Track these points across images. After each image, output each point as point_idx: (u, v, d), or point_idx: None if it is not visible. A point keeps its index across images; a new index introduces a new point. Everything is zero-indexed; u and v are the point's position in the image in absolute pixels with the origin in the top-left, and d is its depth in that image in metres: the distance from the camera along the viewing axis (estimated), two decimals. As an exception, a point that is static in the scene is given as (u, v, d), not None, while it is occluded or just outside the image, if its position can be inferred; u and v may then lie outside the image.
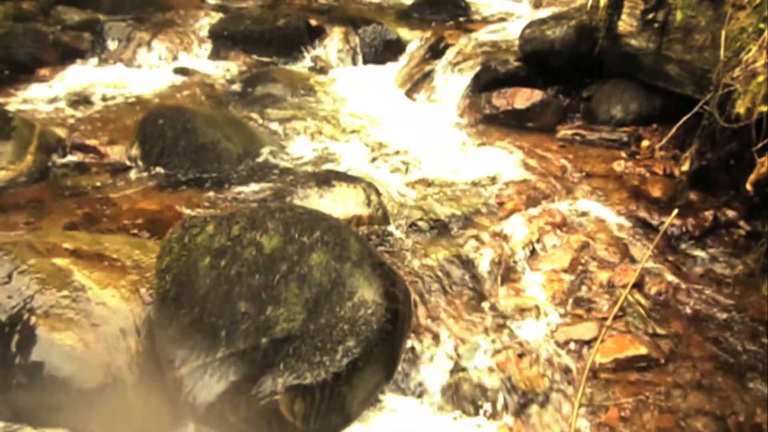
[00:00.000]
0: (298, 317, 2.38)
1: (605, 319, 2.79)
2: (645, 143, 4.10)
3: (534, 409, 2.48)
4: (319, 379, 2.31)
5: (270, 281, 2.44)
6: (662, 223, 3.40)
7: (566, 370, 2.61)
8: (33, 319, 2.50)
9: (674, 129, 3.74)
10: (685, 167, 3.67)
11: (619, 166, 3.90)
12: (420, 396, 2.56)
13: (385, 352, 2.44)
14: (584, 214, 3.45)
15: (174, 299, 2.47)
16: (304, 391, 2.30)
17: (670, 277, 3.11)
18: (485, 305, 2.92)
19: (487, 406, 2.49)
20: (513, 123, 4.39)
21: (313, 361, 2.33)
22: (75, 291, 2.61)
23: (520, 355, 2.65)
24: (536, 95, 4.41)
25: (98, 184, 3.59)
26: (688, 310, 2.96)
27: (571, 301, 2.95)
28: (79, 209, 3.37)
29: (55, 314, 2.53)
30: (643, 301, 2.95)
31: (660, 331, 2.82)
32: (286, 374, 2.31)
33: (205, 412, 2.32)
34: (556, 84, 4.57)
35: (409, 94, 4.94)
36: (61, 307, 2.55)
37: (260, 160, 3.81)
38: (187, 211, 3.29)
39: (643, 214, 3.47)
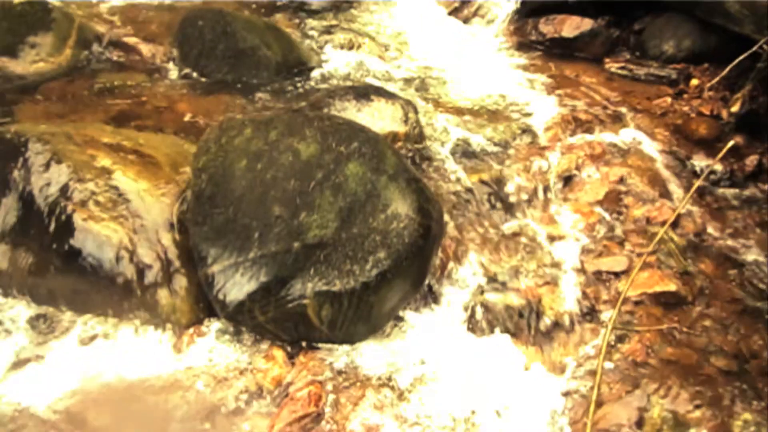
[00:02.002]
0: (331, 225, 2.39)
1: (639, 254, 2.77)
2: (694, 82, 3.96)
3: (557, 334, 2.50)
4: (347, 287, 2.33)
5: (305, 187, 2.44)
6: (703, 163, 3.33)
7: (594, 300, 2.62)
8: (70, 208, 2.54)
9: (727, 69, 3.61)
10: (735, 109, 3.56)
11: (665, 103, 3.78)
12: (444, 313, 2.59)
13: (414, 266, 2.45)
14: (624, 148, 3.38)
15: (209, 198, 2.48)
16: (332, 298, 2.34)
17: (705, 218, 3.06)
18: (516, 230, 2.91)
19: (511, 328, 2.52)
20: (559, 51, 4.25)
21: (343, 269, 2.35)
22: (111, 183, 2.64)
23: (548, 282, 2.65)
24: (585, 24, 4.25)
25: (135, 82, 3.57)
26: (720, 252, 2.93)
27: (603, 233, 2.93)
28: (115, 106, 3.36)
29: (91, 204, 2.56)
30: (676, 239, 2.92)
31: (691, 269, 2.79)
32: (316, 279, 2.34)
33: (234, 310, 2.37)
34: (606, 14, 4.37)
35: (453, 13, 4.79)
36: (98, 197, 2.59)
37: (298, 69, 3.75)
38: (222, 115, 3.26)
39: (685, 153, 3.39)
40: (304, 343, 2.46)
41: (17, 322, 2.60)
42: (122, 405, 2.31)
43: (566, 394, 2.32)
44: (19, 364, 2.46)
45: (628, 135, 3.47)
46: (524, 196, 3.05)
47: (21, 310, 2.63)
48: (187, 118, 3.28)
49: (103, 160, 2.72)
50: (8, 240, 2.60)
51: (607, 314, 2.58)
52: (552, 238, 2.88)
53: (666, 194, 3.18)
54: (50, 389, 2.37)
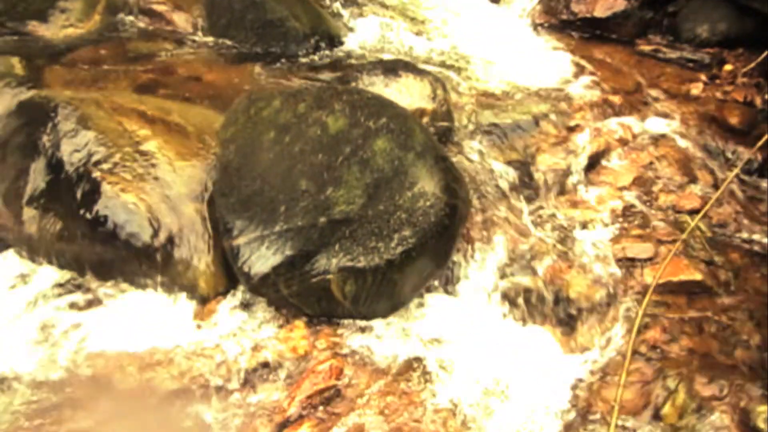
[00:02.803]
0: (358, 201, 2.38)
1: (666, 241, 2.74)
2: (728, 67, 3.87)
3: (581, 317, 2.49)
4: (372, 263, 2.33)
5: (332, 162, 2.43)
6: (735, 152, 3.27)
7: (619, 285, 2.60)
8: (98, 175, 2.55)
9: (764, 55, 3.53)
10: (770, 96, 3.49)
11: (696, 88, 3.70)
12: (467, 293, 2.58)
13: (439, 245, 2.45)
14: (654, 133, 3.32)
15: (236, 169, 2.48)
16: (356, 274, 2.34)
17: (735, 209, 3.01)
18: (542, 213, 2.89)
19: (534, 311, 2.51)
20: (590, 31, 4.16)
21: (368, 246, 2.35)
22: (139, 151, 2.64)
23: (573, 266, 2.63)
24: (618, 4, 4.15)
25: (163, 50, 3.56)
26: (748, 244, 2.88)
27: (630, 219, 2.90)
28: (143, 73, 3.36)
29: (119, 172, 2.57)
30: (704, 228, 2.88)
31: (718, 260, 2.76)
32: (341, 255, 2.34)
33: (258, 282, 2.38)
34: (641, -6, 4.29)
35: (483, -10, 4.70)
36: (126, 165, 2.59)
37: (326, 42, 3.71)
38: (250, 86, 3.25)
39: (716, 140, 3.33)
40: (326, 318, 2.47)
41: (43, 287, 2.64)
42: (145, 371, 2.34)
43: (589, 377, 2.31)
44: (43, 328, 2.49)
45: (658, 120, 3.41)
46: (551, 179, 3.02)
47: (47, 275, 2.67)
48: (214, 87, 3.27)
49: (131, 128, 2.72)
50: (36, 205, 2.63)
51: (631, 300, 2.56)
52: (578, 222, 2.86)
53: (695, 182, 3.13)
54: (74, 354, 2.41)
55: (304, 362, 2.36)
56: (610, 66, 3.83)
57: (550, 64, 3.81)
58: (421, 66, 3.45)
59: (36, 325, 2.50)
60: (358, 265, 2.33)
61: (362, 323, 2.47)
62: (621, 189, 3.03)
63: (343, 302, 2.39)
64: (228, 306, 2.49)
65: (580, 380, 2.31)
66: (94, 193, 2.53)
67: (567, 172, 3.05)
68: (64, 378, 2.34)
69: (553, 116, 3.30)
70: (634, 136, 3.26)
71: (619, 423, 2.18)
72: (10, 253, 2.71)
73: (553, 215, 2.88)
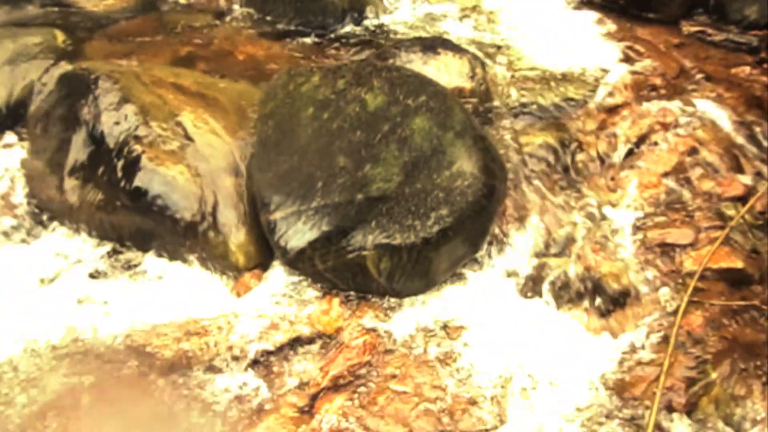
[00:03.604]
0: (395, 179, 2.37)
1: (706, 228, 2.69)
2: (776, 51, 3.76)
3: (617, 302, 2.46)
4: (408, 241, 2.33)
5: (371, 139, 2.42)
6: (781, 138, 3.18)
7: (656, 271, 2.55)
8: (138, 148, 2.58)
9: (816, 38, 3.41)
10: (820, 82, 3.37)
11: (743, 72, 3.59)
12: (502, 275, 2.57)
13: (475, 225, 2.44)
14: (697, 118, 3.23)
15: (275, 145, 2.49)
16: (392, 251, 2.34)
17: (778, 196, 2.94)
18: (579, 196, 2.84)
19: (569, 294, 2.49)
20: (632, 12, 4.05)
21: (405, 224, 2.34)
22: (179, 125, 2.67)
23: (609, 250, 2.60)
24: (663, -17, 4.05)
25: (201, 24, 3.57)
26: (792, 233, 2.81)
27: (670, 204, 2.84)
28: (182, 47, 3.37)
29: (158, 145, 2.60)
30: (747, 216, 2.81)
31: (760, 248, 2.70)
32: (377, 232, 2.34)
33: (294, 257, 2.40)
34: (686, -27, 4.17)
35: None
36: (165, 139, 2.62)
37: (364, 17, 3.68)
38: (287, 61, 3.24)
39: (762, 126, 3.23)
40: (360, 294, 2.48)
41: (83, 257, 2.69)
42: (180, 342, 2.38)
43: (625, 362, 2.29)
44: (83, 298, 2.55)
45: (701, 104, 3.32)
46: (589, 161, 2.97)
47: (87, 245, 2.72)
48: (251, 61, 3.27)
49: (171, 102, 2.75)
50: (78, 175, 2.67)
51: (669, 286, 2.52)
52: (616, 206, 2.81)
53: (737, 169, 3.04)
54: (112, 323, 2.46)
55: (338, 337, 2.38)
56: (653, 47, 3.73)
57: (591, 45, 3.72)
58: (460, 44, 3.41)
59: (74, 294, 2.56)
60: (394, 243, 2.33)
61: (396, 301, 2.48)
62: (661, 174, 2.96)
63: (378, 279, 2.40)
64: (264, 280, 2.51)
65: (616, 365, 2.28)
66: (133, 165, 2.56)
67: (606, 155, 3.00)
68: (101, 347, 2.39)
69: (593, 98, 3.24)
70: (677, 120, 3.18)
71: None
72: (54, 224, 2.77)
73: (591, 198, 2.83)
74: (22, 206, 2.80)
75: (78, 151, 2.68)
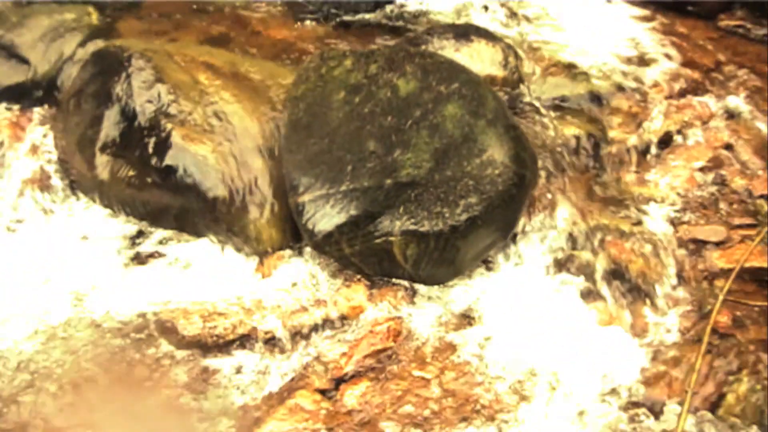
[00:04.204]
0: (425, 165, 2.36)
1: (738, 225, 2.65)
2: (817, 48, 3.67)
3: (646, 297, 2.43)
4: (436, 228, 2.32)
5: (401, 125, 2.41)
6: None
7: (686, 267, 2.52)
8: (169, 126, 2.59)
9: None
10: None
11: (782, 68, 3.53)
12: (529, 265, 2.55)
13: (504, 215, 2.41)
14: (734, 114, 3.18)
15: (305, 127, 2.49)
16: (419, 238, 2.33)
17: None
18: (609, 188, 2.81)
19: (597, 287, 2.46)
20: (669, 4, 3.97)
21: (433, 211, 2.33)
22: (210, 104, 2.67)
23: (639, 244, 2.57)
24: (702, -24, 3.97)
25: (233, 4, 3.57)
26: (827, 234, 2.76)
27: (702, 200, 2.80)
28: (214, 27, 3.38)
29: (189, 124, 2.61)
30: (780, 214, 2.76)
31: (792, 248, 2.65)
32: (405, 218, 2.33)
33: (321, 240, 2.40)
34: (726, -34, 4.08)
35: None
36: (196, 117, 2.63)
37: (395, 2, 3.66)
38: (319, 43, 3.24)
39: (799, 124, 3.17)
40: (386, 280, 2.48)
41: (112, 233, 2.72)
42: (206, 321, 2.40)
43: (653, 359, 2.27)
44: (111, 274, 2.57)
45: (738, 100, 3.26)
46: (621, 154, 2.93)
47: (116, 221, 2.75)
48: (283, 43, 3.27)
49: (202, 81, 2.75)
50: (109, 152, 2.69)
51: (699, 283, 2.49)
52: (647, 200, 2.77)
53: (773, 166, 3.00)
54: (138, 300, 2.48)
55: (363, 322, 2.38)
56: (689, 40, 3.66)
57: (625, 36, 3.66)
58: (493, 32, 3.38)
59: (103, 270, 2.59)
60: (422, 229, 2.32)
61: (421, 288, 2.47)
62: (694, 169, 2.91)
63: (404, 265, 2.39)
64: (290, 262, 2.52)
65: (645, 363, 2.26)
66: (164, 143, 2.57)
67: (638, 148, 2.96)
68: (127, 324, 2.41)
69: (626, 90, 3.19)
70: (712, 116, 3.13)
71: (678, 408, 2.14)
72: (83, 200, 2.80)
73: (621, 191, 2.80)
74: (53, 181, 2.83)
75: (110, 127, 2.70)
